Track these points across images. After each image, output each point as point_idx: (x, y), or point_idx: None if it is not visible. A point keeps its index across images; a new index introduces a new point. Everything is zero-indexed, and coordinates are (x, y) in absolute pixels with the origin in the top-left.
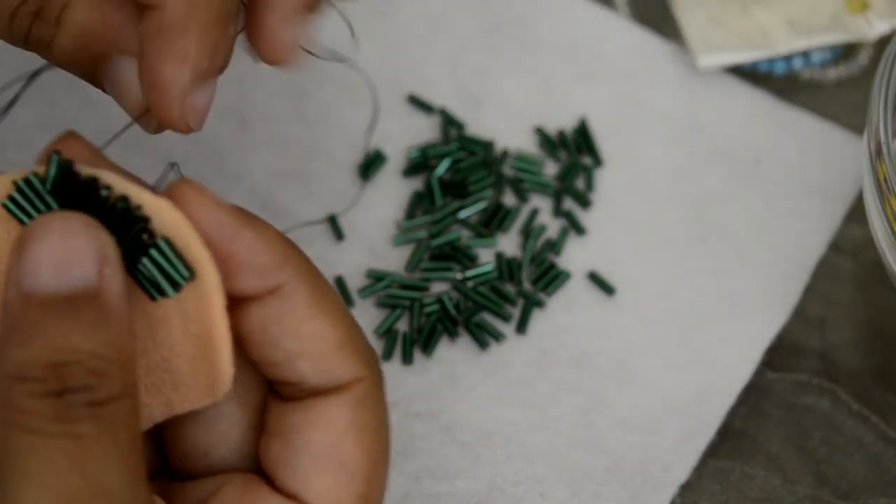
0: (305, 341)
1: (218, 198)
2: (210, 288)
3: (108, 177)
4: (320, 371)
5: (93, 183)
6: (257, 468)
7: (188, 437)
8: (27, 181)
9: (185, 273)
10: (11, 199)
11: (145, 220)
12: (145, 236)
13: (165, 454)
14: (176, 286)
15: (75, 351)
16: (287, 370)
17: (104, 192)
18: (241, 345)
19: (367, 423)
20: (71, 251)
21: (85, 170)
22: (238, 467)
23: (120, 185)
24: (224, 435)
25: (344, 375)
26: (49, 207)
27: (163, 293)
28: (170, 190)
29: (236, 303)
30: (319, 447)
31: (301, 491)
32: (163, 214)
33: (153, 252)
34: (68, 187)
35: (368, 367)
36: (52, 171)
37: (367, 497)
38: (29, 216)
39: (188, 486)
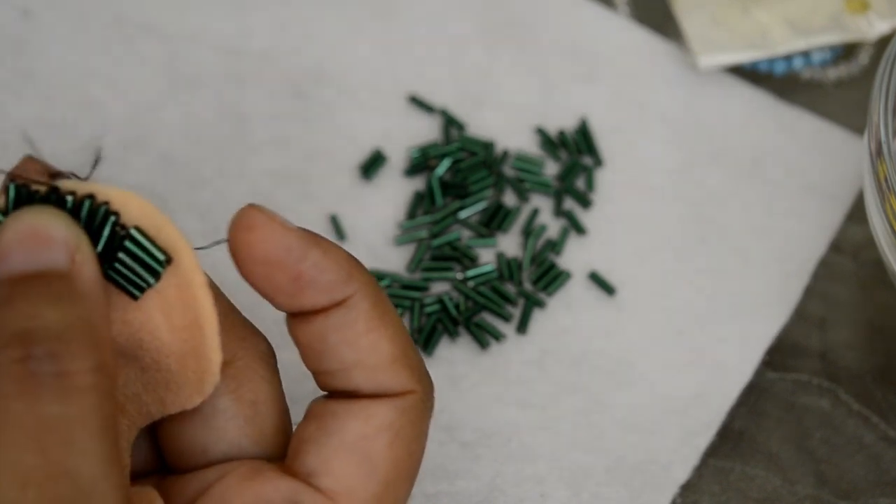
0: (362, 353)
1: (285, 220)
2: (188, 267)
3: (67, 184)
4: (374, 383)
5: (54, 194)
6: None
7: (185, 435)
8: None
9: (162, 257)
10: None
11: (115, 214)
12: (118, 229)
13: (162, 452)
14: (155, 274)
15: (42, 318)
16: (341, 380)
17: (69, 199)
18: (299, 353)
19: (405, 431)
20: (42, 237)
21: (42, 186)
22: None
23: (83, 188)
24: (221, 430)
25: (395, 388)
26: None
27: (145, 284)
28: (238, 215)
29: (305, 316)
30: (351, 436)
31: (318, 470)
32: (130, 205)
33: (128, 243)
34: (29, 203)
35: (420, 383)
36: (12, 196)
37: (381, 499)
38: None
39: (188, 478)
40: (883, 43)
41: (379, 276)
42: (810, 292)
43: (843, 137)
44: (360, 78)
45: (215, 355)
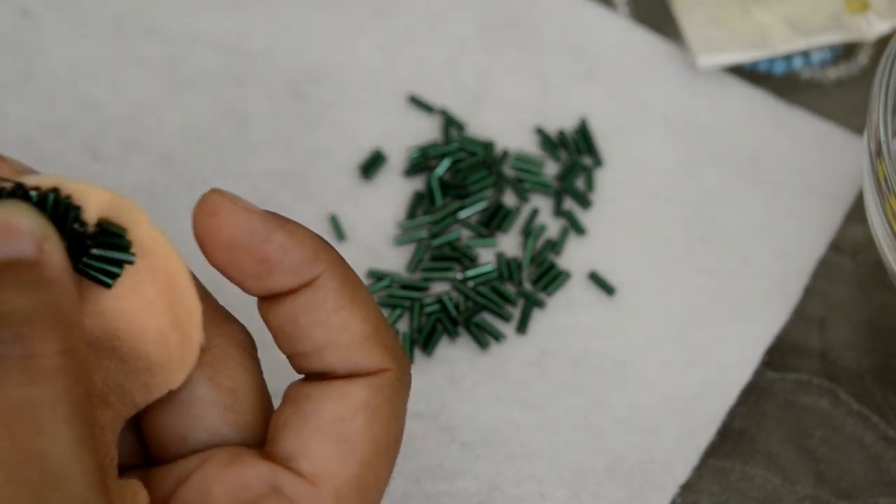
0: (333, 332)
1: (248, 204)
2: (162, 250)
3: (31, 179)
4: (347, 362)
5: (20, 189)
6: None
7: (165, 424)
8: None
9: (130, 245)
10: None
11: (77, 208)
12: (79, 222)
13: (146, 444)
14: (124, 262)
15: (10, 303)
16: (315, 361)
17: (34, 194)
18: (273, 337)
19: (382, 410)
20: (11, 228)
21: (8, 183)
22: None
23: (46, 182)
24: (199, 417)
25: (369, 366)
26: None
27: (115, 271)
28: (201, 200)
29: (275, 299)
30: (327, 417)
31: (297, 454)
32: (93, 198)
33: (94, 235)
34: None
35: (395, 361)
36: None
37: (361, 480)
38: None
39: (170, 467)
40: (883, 43)
41: (379, 276)
42: (810, 292)
43: (843, 137)
44: (360, 78)
45: (195, 341)
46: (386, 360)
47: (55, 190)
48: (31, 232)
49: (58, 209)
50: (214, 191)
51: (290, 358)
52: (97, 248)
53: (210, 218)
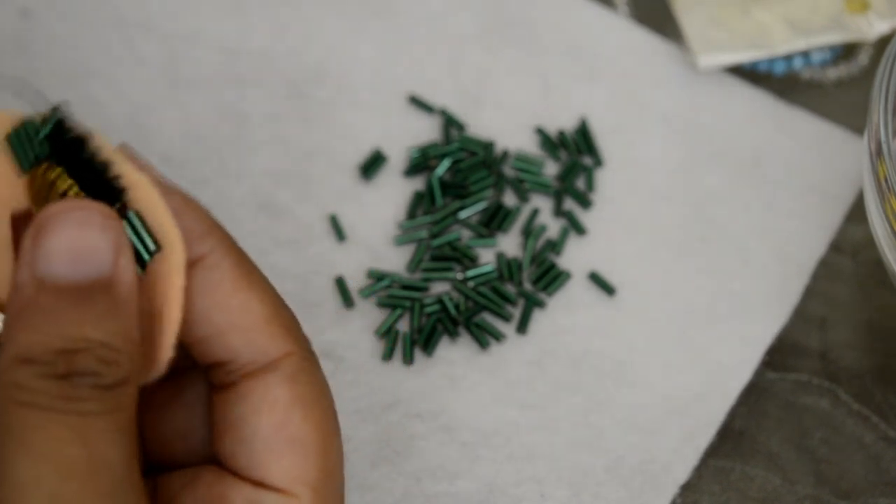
0: (234, 314)
1: (149, 165)
2: (173, 267)
3: (99, 141)
4: (251, 346)
5: (82, 142)
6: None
7: (149, 436)
8: (25, 126)
9: (153, 247)
10: (9, 137)
11: (122, 191)
12: (118, 206)
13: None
14: (141, 262)
15: (86, 340)
16: (218, 346)
17: (89, 154)
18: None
19: (307, 396)
20: (88, 241)
21: (78, 129)
22: (207, 457)
23: (108, 153)
24: (182, 432)
25: (273, 351)
26: (42, 152)
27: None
28: None
29: None
30: (268, 430)
31: (263, 476)
32: (139, 189)
33: (125, 225)
34: (61, 139)
35: (296, 341)
36: (51, 124)
37: (328, 470)
38: (25, 155)
39: (158, 481)
40: (883, 43)
41: (379, 277)
42: (810, 292)
43: (843, 137)
44: (360, 78)
45: (166, 352)
46: (289, 343)
47: (107, 165)
48: (109, 245)
49: (103, 183)
50: (121, 146)
51: (191, 347)
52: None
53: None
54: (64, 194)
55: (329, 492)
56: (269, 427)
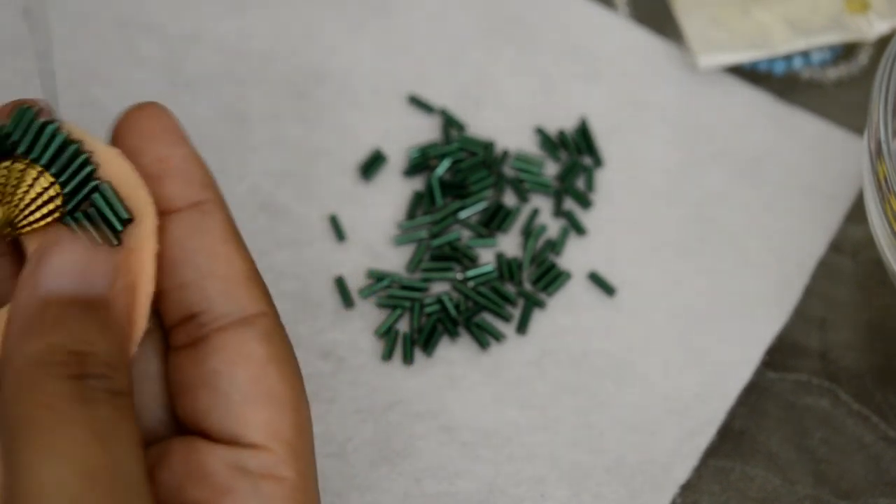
0: (219, 262)
1: (172, 118)
2: (145, 234)
3: (67, 124)
4: (229, 296)
5: (47, 126)
6: (182, 431)
7: None
8: None
9: (125, 216)
10: None
11: (94, 166)
12: (92, 180)
13: None
14: (114, 231)
15: (93, 344)
16: (195, 294)
17: (60, 136)
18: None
19: (281, 353)
20: (93, 263)
21: (43, 116)
22: (163, 435)
23: (77, 132)
24: (137, 408)
25: (250, 307)
26: (4, 148)
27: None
28: (133, 108)
29: (161, 216)
30: (246, 383)
31: (240, 431)
32: (111, 162)
33: (96, 196)
34: (25, 131)
35: (270, 305)
36: (17, 115)
37: (301, 427)
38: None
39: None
40: (883, 43)
41: (379, 277)
42: (810, 292)
43: (843, 137)
44: (360, 78)
45: (142, 321)
46: (263, 304)
47: (78, 143)
48: (109, 268)
49: (75, 159)
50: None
51: (167, 294)
52: (94, 209)
53: (148, 119)
54: (35, 181)
55: (303, 448)
56: (246, 379)
